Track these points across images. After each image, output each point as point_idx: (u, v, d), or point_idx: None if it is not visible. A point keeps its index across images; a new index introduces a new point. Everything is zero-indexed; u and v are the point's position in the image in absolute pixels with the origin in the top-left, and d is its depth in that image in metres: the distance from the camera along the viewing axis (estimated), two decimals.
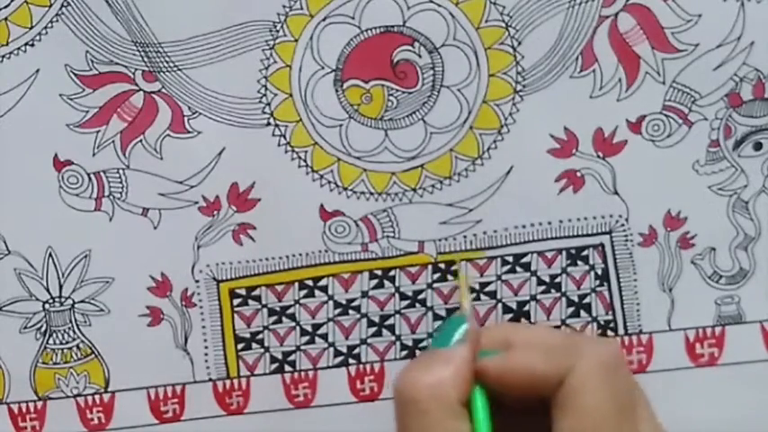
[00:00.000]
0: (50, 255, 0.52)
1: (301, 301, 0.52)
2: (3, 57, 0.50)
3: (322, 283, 0.52)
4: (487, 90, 0.50)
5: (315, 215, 0.51)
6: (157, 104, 0.51)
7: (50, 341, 0.53)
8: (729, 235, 0.51)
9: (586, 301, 0.52)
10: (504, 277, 0.52)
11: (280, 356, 0.53)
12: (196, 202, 0.52)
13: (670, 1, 0.49)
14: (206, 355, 0.53)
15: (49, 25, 0.50)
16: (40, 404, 0.53)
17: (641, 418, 0.40)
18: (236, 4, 0.50)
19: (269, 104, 0.51)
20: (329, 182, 0.51)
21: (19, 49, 0.50)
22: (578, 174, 0.51)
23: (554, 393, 0.40)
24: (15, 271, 0.52)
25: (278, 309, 0.52)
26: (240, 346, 0.52)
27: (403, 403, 0.41)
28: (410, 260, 0.52)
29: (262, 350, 0.53)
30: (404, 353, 0.52)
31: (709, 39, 0.50)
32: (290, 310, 0.52)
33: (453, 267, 0.52)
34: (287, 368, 0.53)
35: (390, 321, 0.52)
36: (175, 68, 0.50)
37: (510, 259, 0.52)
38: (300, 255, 0.52)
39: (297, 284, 0.52)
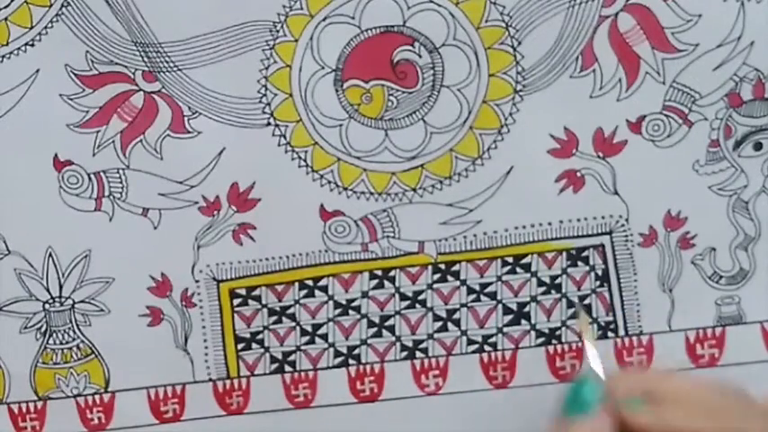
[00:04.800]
0: (50, 255, 0.52)
1: (301, 301, 0.52)
2: (3, 57, 0.50)
3: (322, 283, 0.52)
4: (487, 90, 0.50)
5: (315, 215, 0.51)
6: (157, 104, 0.51)
7: (50, 341, 0.53)
8: (729, 235, 0.51)
9: (587, 302, 0.52)
10: (504, 278, 0.52)
11: (280, 356, 0.53)
12: (196, 202, 0.52)
13: (670, 1, 0.49)
14: (206, 355, 0.52)
15: (49, 25, 0.50)
16: (40, 404, 0.53)
17: None
18: (237, 4, 0.50)
19: (269, 104, 0.51)
20: (329, 182, 0.51)
21: (19, 49, 0.50)
22: (578, 174, 0.51)
23: None
24: (15, 271, 0.52)
25: (278, 309, 0.52)
26: (240, 346, 0.52)
27: None
28: (410, 260, 0.52)
29: (262, 350, 0.53)
30: (404, 353, 0.52)
31: (710, 39, 0.50)
32: (290, 310, 0.52)
33: (577, 320, 0.51)
34: (287, 368, 0.52)
35: (390, 322, 0.52)
36: (175, 68, 0.50)
37: (510, 260, 0.52)
38: (300, 255, 0.52)
39: (297, 284, 0.52)
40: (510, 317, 0.52)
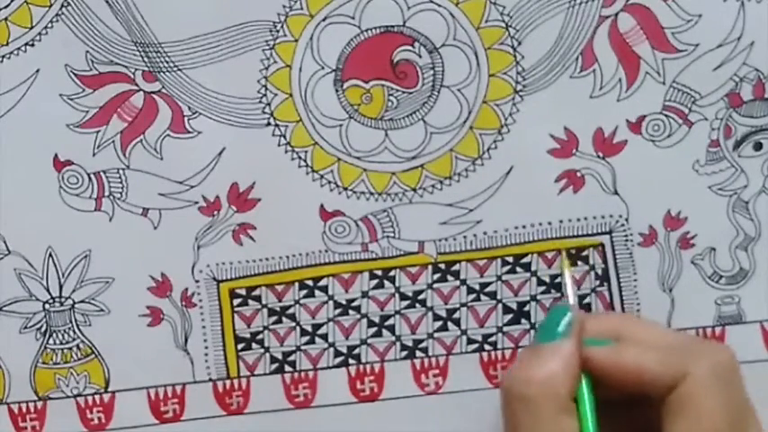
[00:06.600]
0: (50, 255, 0.52)
1: (301, 301, 0.52)
2: (3, 57, 0.50)
3: (322, 283, 0.52)
4: (487, 90, 0.50)
5: (315, 215, 0.51)
6: (157, 104, 0.51)
7: (50, 341, 0.53)
8: (729, 235, 0.51)
9: (587, 301, 0.52)
10: (504, 277, 0.52)
11: (280, 356, 0.53)
12: (196, 202, 0.52)
13: (670, 1, 0.49)
14: (206, 355, 0.53)
15: (49, 25, 0.50)
16: (40, 404, 0.53)
17: (750, 429, 0.40)
18: (236, 4, 0.50)
19: (269, 104, 0.51)
20: (329, 182, 0.51)
21: (19, 49, 0.50)
22: (578, 174, 0.51)
23: (665, 395, 0.40)
24: (15, 271, 0.52)
25: (278, 309, 0.52)
26: (240, 346, 0.52)
27: (513, 400, 0.41)
28: (410, 260, 0.52)
29: (262, 350, 0.53)
30: (404, 353, 0.52)
31: (709, 39, 0.50)
32: (290, 310, 0.52)
33: (559, 257, 0.51)
34: (287, 368, 0.52)
35: (390, 321, 0.52)
36: (175, 68, 0.50)
37: (510, 259, 0.52)
38: (300, 255, 0.52)
39: (297, 284, 0.52)
40: (510, 316, 0.52)
